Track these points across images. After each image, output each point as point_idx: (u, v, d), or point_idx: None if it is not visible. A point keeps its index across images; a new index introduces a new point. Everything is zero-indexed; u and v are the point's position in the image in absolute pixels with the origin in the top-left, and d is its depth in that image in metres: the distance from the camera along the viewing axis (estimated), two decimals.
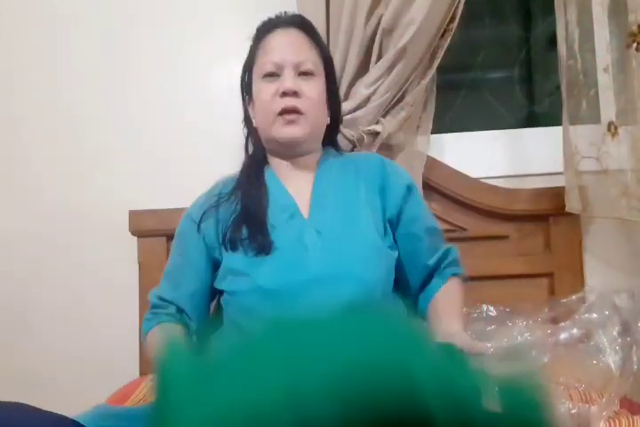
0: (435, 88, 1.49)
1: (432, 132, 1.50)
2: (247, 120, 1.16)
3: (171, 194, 1.54)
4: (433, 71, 1.43)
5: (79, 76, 1.61)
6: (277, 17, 1.14)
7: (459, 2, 1.38)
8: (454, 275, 1.13)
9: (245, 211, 1.05)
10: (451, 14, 1.38)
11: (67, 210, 1.59)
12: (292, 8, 1.26)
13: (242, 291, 1.00)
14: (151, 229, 1.51)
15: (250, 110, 1.15)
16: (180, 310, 1.08)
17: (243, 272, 1.00)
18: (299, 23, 1.12)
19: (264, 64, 1.08)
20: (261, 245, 1.00)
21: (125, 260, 1.54)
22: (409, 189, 1.12)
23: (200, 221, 1.08)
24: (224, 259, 1.05)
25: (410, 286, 1.12)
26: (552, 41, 1.52)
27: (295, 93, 1.04)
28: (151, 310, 1.10)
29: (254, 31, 1.15)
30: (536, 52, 1.81)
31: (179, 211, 1.47)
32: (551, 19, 1.48)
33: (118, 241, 1.55)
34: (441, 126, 1.60)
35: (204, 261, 1.08)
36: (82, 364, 1.54)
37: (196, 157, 1.57)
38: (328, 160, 1.14)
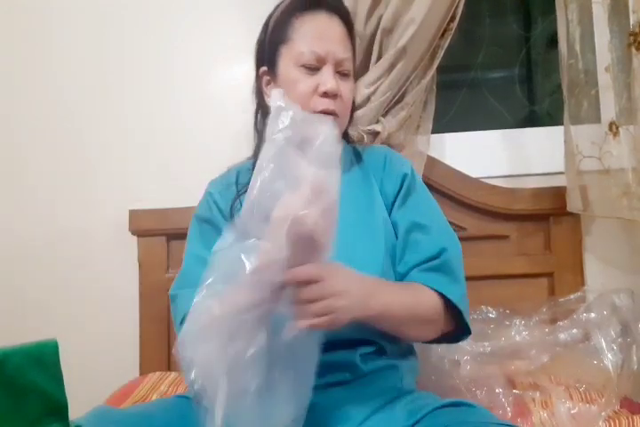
0: (435, 88, 1.49)
1: (432, 132, 1.50)
2: (259, 96, 1.08)
3: (171, 194, 1.54)
4: (433, 71, 1.43)
5: (78, 76, 1.61)
6: None
7: (459, 2, 1.38)
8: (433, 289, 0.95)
9: None
10: (451, 14, 1.38)
11: (67, 210, 1.59)
12: None
13: None
14: (151, 229, 1.51)
15: (264, 87, 1.06)
16: None
17: None
18: (343, 13, 1.04)
19: (305, 52, 0.99)
20: None
21: (125, 260, 1.54)
22: (403, 179, 1.05)
23: (231, 216, 1.01)
24: None
25: None
26: (552, 41, 1.52)
27: (335, 95, 0.99)
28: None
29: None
30: (536, 52, 1.81)
31: (179, 211, 1.48)
32: (551, 18, 1.48)
33: (118, 241, 1.56)
34: (441, 126, 1.60)
35: None
36: (82, 363, 1.54)
37: (196, 157, 1.57)
38: (345, 153, 1.06)
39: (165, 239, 1.51)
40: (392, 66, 1.37)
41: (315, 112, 0.98)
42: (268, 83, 1.05)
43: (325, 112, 0.99)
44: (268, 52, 1.04)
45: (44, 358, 0.68)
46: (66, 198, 1.59)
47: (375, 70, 1.38)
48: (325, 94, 0.98)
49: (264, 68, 1.05)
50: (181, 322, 0.93)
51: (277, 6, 1.07)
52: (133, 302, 1.51)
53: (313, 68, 1.00)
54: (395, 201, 1.04)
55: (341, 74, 1.02)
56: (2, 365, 0.64)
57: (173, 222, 1.48)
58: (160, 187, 1.58)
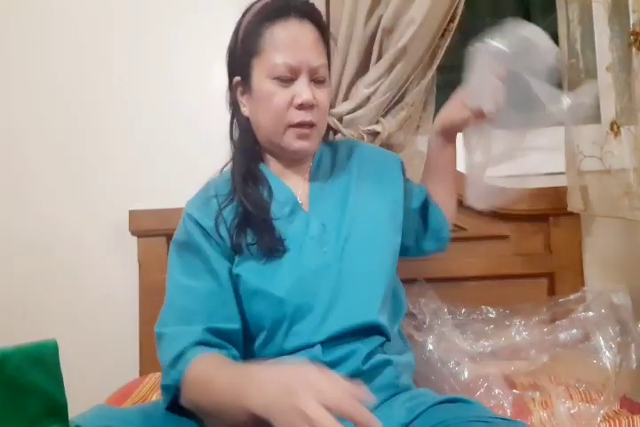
0: (435, 88, 1.49)
1: None
2: (235, 106, 1.06)
3: (171, 194, 1.53)
4: (433, 71, 1.43)
5: (78, 76, 1.61)
6: (289, 1, 0.99)
7: (459, 2, 1.38)
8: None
9: (247, 212, 1.00)
10: (451, 14, 1.38)
11: (67, 210, 1.59)
12: None
13: (263, 309, 0.96)
14: (151, 229, 1.51)
15: (239, 97, 1.04)
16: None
17: (258, 288, 0.96)
18: (314, 17, 1.01)
19: (278, 64, 0.97)
20: (270, 246, 0.97)
21: (125, 260, 1.54)
22: (402, 167, 1.16)
23: (217, 229, 0.99)
24: (235, 267, 0.98)
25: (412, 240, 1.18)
26: (552, 40, 1.51)
27: (311, 106, 0.98)
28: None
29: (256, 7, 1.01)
30: None
31: (179, 211, 1.46)
32: (551, 18, 1.48)
33: (118, 241, 1.56)
34: None
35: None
36: (82, 363, 1.54)
37: (196, 157, 1.57)
38: (323, 153, 1.11)
39: (165, 240, 1.51)
40: (392, 66, 1.36)
41: (291, 125, 0.98)
42: (243, 93, 1.04)
43: (302, 124, 0.98)
44: (240, 64, 1.02)
45: (44, 359, 0.68)
46: (66, 199, 1.59)
47: (375, 70, 1.37)
48: (301, 106, 0.97)
49: (238, 79, 1.03)
50: (170, 365, 0.88)
51: (246, 13, 1.03)
52: (133, 302, 1.51)
53: (287, 80, 0.98)
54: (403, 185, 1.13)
55: (316, 81, 1.00)
56: (2, 365, 0.64)
57: (173, 223, 1.46)
58: (160, 187, 1.58)
